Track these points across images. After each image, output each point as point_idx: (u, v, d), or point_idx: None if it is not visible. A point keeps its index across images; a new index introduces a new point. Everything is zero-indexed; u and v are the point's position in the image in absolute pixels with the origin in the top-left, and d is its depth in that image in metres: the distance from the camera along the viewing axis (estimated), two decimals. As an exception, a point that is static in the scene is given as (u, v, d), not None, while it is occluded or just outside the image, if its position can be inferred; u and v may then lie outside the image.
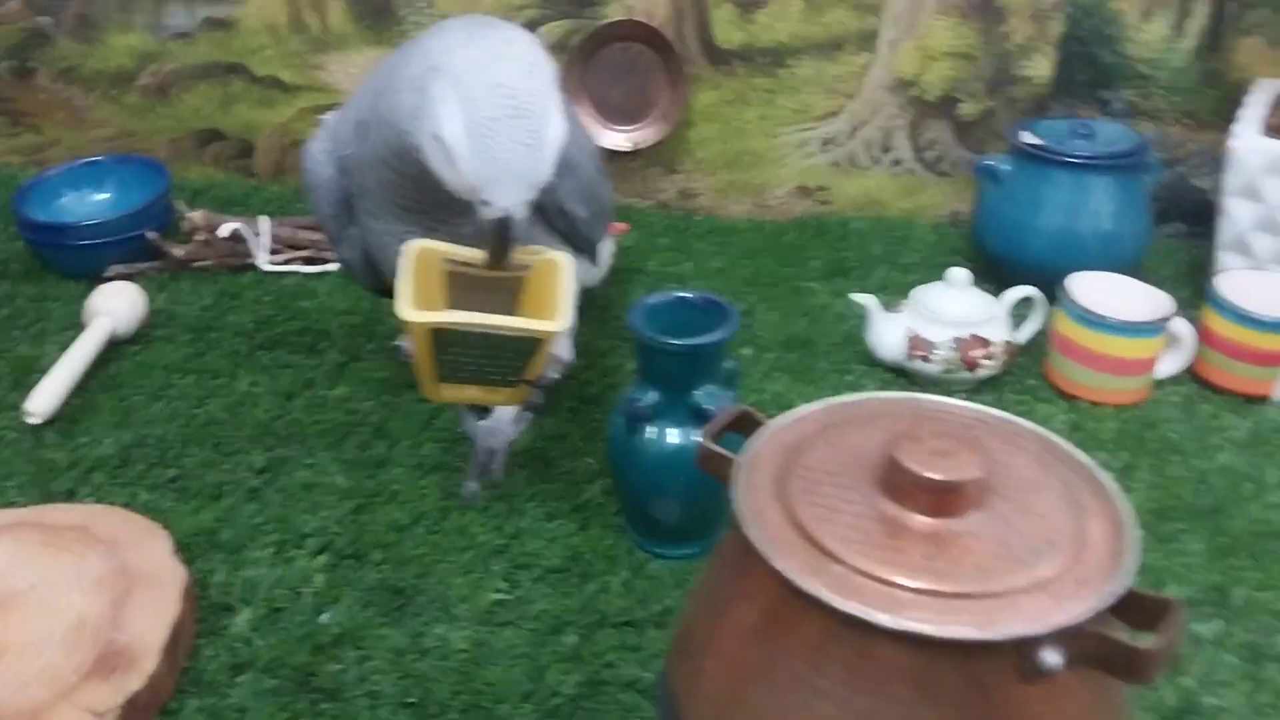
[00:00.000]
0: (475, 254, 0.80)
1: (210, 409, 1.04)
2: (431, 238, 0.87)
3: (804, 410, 0.63)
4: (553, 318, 0.77)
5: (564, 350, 0.94)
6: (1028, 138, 1.25)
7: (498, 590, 0.85)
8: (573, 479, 0.97)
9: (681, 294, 0.85)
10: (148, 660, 0.73)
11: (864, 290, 1.28)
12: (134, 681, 0.72)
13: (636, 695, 0.76)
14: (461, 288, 0.82)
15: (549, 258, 0.81)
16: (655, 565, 0.88)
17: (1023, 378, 1.13)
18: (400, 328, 0.78)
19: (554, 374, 1.01)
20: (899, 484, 0.55)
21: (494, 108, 0.73)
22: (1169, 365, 1.12)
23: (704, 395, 0.81)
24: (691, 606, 0.62)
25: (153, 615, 0.77)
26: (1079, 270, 1.14)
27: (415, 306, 0.76)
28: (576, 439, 1.02)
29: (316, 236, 1.29)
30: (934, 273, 1.32)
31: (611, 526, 0.91)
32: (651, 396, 0.82)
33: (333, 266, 1.29)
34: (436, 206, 0.84)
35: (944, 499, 0.54)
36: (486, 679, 0.77)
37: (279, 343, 1.15)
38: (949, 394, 1.10)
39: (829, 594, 0.50)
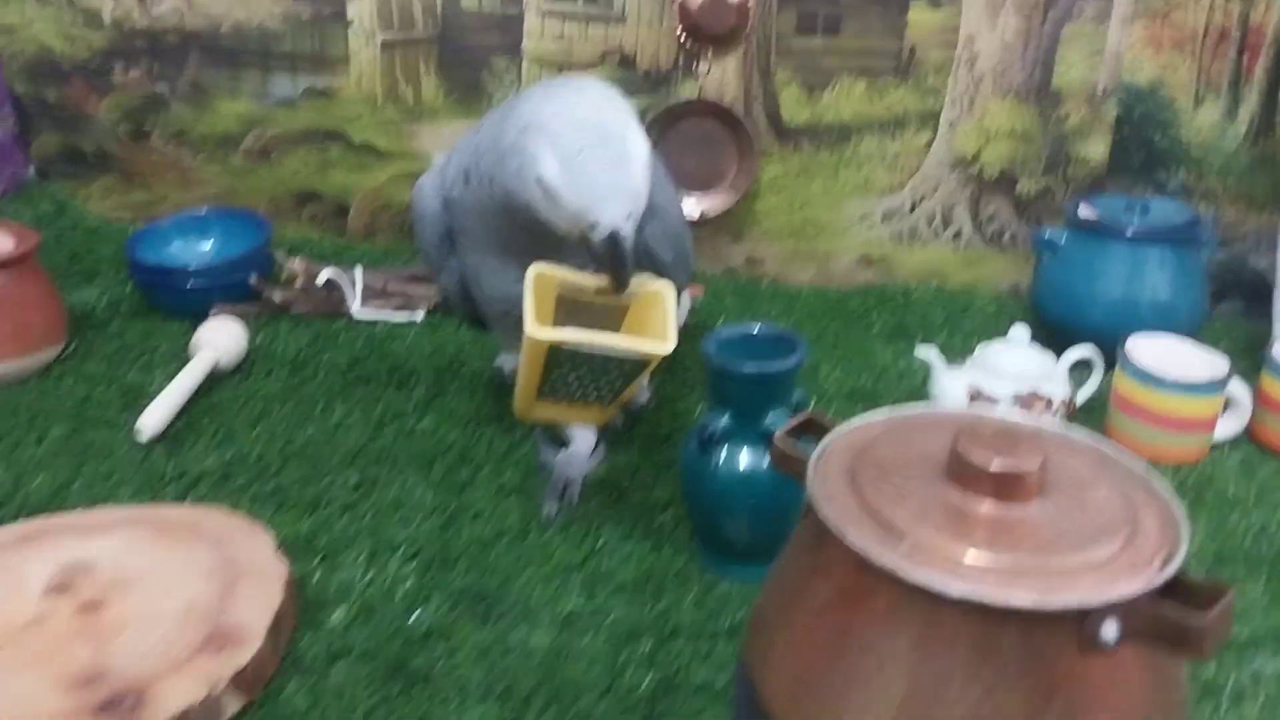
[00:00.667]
0: (589, 279, 0.87)
1: (307, 434, 1.11)
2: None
3: (869, 417, 0.68)
4: (662, 340, 0.84)
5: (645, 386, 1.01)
6: (1085, 211, 1.31)
7: (576, 599, 0.89)
8: (645, 507, 1.02)
9: (752, 329, 0.91)
10: (253, 641, 0.79)
11: (925, 352, 1.34)
12: (241, 657, 0.77)
13: (709, 698, 0.80)
14: (568, 312, 0.88)
15: (653, 287, 0.88)
16: (725, 585, 0.92)
17: (1079, 434, 1.17)
18: (501, 348, 0.85)
19: (642, 398, 1.07)
20: (963, 473, 0.59)
21: (580, 139, 0.82)
22: (1226, 428, 1.16)
23: (775, 420, 0.87)
24: (765, 593, 0.67)
25: (258, 602, 0.82)
26: (1135, 338, 1.18)
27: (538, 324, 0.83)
28: (648, 473, 1.07)
29: (408, 286, 1.37)
30: (995, 339, 1.37)
31: (683, 550, 0.96)
32: (724, 421, 0.88)
33: (419, 316, 1.37)
34: (534, 248, 0.91)
35: (1006, 487, 0.59)
36: (567, 675, 0.81)
37: (370, 379, 1.23)
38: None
39: (899, 565, 0.55)
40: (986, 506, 0.59)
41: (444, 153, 1.00)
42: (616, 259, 0.83)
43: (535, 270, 0.86)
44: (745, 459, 0.88)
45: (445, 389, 1.21)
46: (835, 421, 0.69)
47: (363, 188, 1.58)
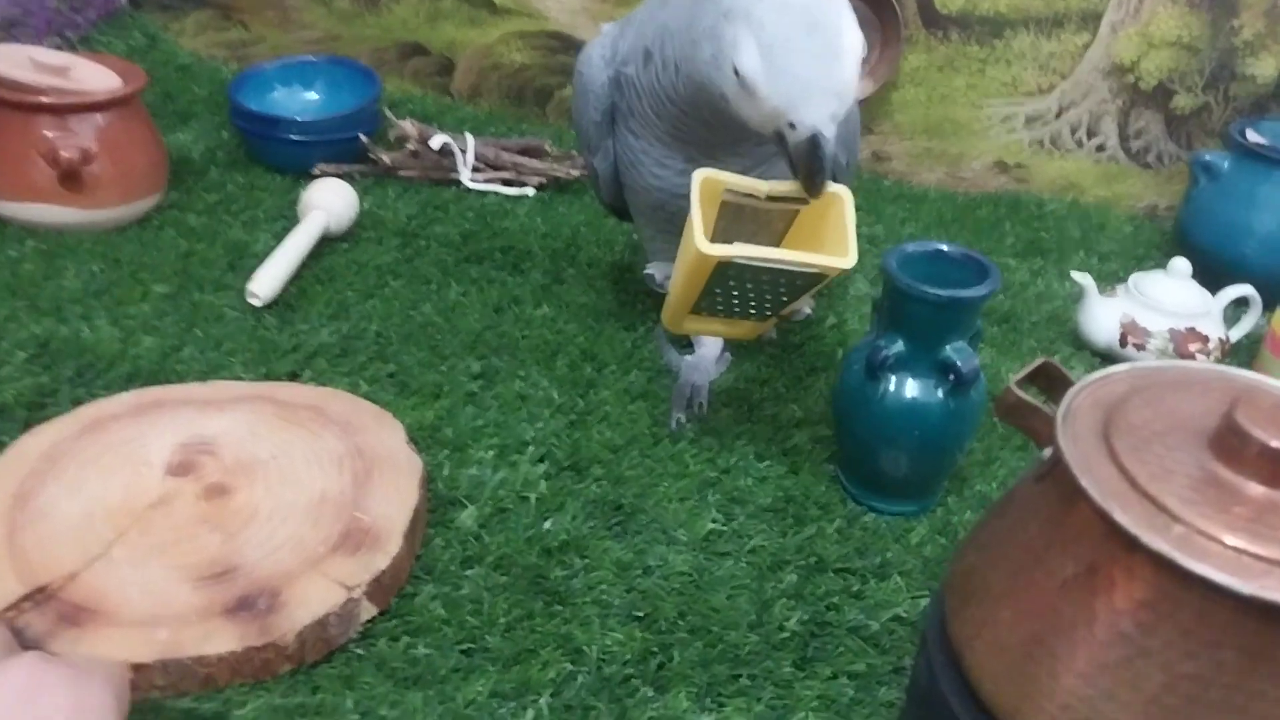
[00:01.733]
0: (758, 184, 0.78)
1: (423, 312, 1.06)
2: (692, 167, 0.87)
3: (1110, 370, 0.62)
4: (842, 253, 0.76)
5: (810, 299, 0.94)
6: (1253, 135, 1.21)
7: (714, 521, 0.84)
8: (779, 423, 0.96)
9: (940, 246, 0.84)
10: (391, 542, 0.74)
11: (1061, 272, 1.26)
12: (380, 560, 0.73)
13: (861, 641, 0.75)
14: (730, 219, 0.81)
15: (828, 191, 0.79)
16: (870, 518, 0.87)
17: (1232, 378, 1.10)
18: (646, 248, 0.78)
19: (805, 311, 1.00)
20: (1237, 449, 0.53)
21: (786, 27, 0.72)
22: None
23: (955, 350, 0.80)
24: (978, 551, 0.62)
25: (393, 499, 0.78)
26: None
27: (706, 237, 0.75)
28: (779, 384, 1.01)
29: (519, 159, 1.29)
30: (1132, 263, 1.30)
31: (822, 475, 0.91)
32: (898, 345, 0.82)
33: (530, 191, 1.30)
34: (714, 144, 0.84)
35: (1283, 470, 0.53)
36: (711, 604, 0.77)
37: (484, 258, 1.16)
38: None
39: (1174, 552, 0.49)
40: (1260, 490, 0.53)
41: (616, 23, 0.91)
42: (815, 162, 0.75)
43: (701, 175, 0.78)
44: (915, 389, 0.82)
45: (562, 275, 1.15)
46: (1070, 372, 0.62)
47: (473, 44, 1.49)
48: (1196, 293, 1.09)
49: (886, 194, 1.41)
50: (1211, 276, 1.15)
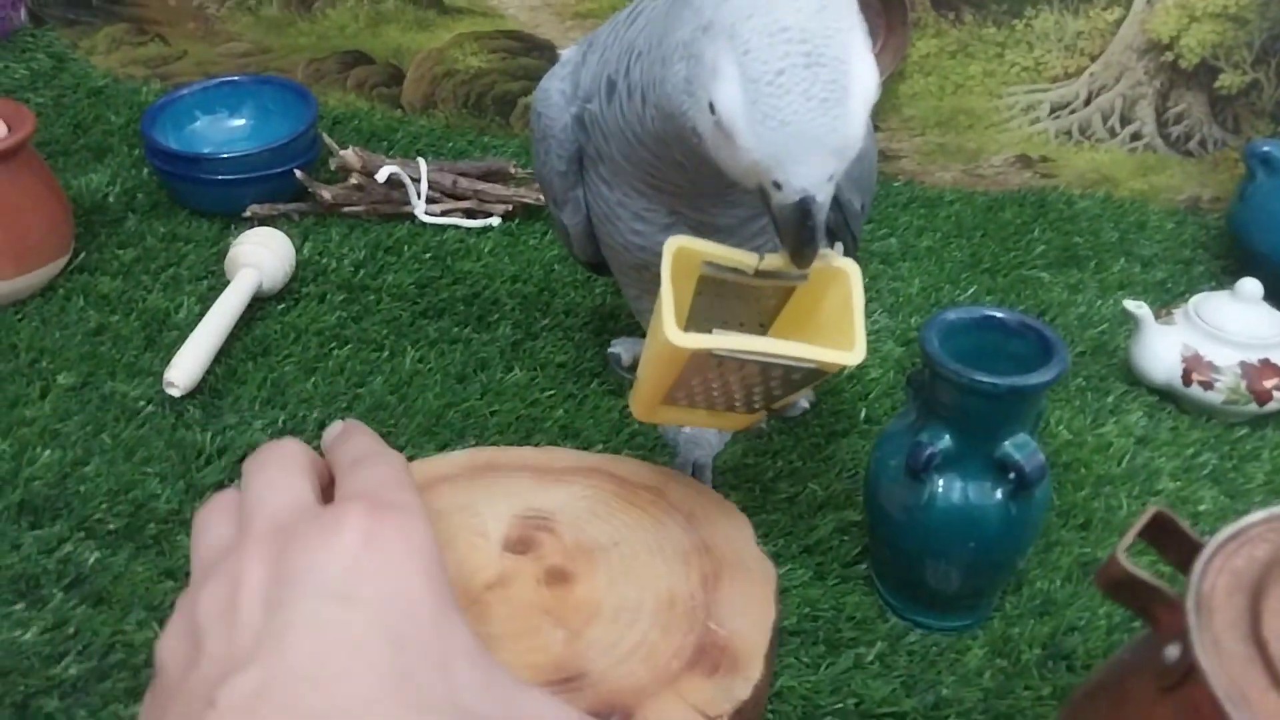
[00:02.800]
0: (745, 257, 0.63)
1: (374, 389, 0.90)
2: (678, 220, 0.72)
3: (1246, 522, 0.47)
4: (846, 344, 0.61)
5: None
6: (1318, 121, 1.06)
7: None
8: (797, 509, 0.82)
9: (989, 313, 0.68)
10: (752, 666, 0.59)
11: (1102, 285, 1.11)
12: (741, 688, 0.57)
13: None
14: (712, 294, 0.65)
15: (832, 265, 0.63)
16: (916, 636, 0.73)
17: (1312, 412, 0.96)
18: (630, 309, 0.63)
19: (802, 406, 0.86)
20: None
21: (778, 57, 0.54)
22: None
23: (1015, 445, 0.65)
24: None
25: (749, 611, 0.62)
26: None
27: (680, 323, 0.60)
28: (793, 456, 0.87)
29: (481, 185, 1.13)
30: (1178, 269, 1.15)
31: (855, 579, 0.76)
32: (945, 441, 0.67)
33: (495, 221, 1.14)
34: (698, 193, 0.68)
35: None
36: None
37: (444, 310, 1.01)
38: (1227, 427, 0.94)
39: None
40: None
41: (578, 46, 0.75)
42: (804, 232, 0.58)
43: (675, 245, 0.61)
44: (968, 493, 0.67)
45: (535, 328, 0.99)
46: (1190, 525, 0.48)
47: (422, 49, 1.32)
48: (1268, 318, 0.94)
49: (897, 198, 1.25)
50: (1273, 287, 1.00)
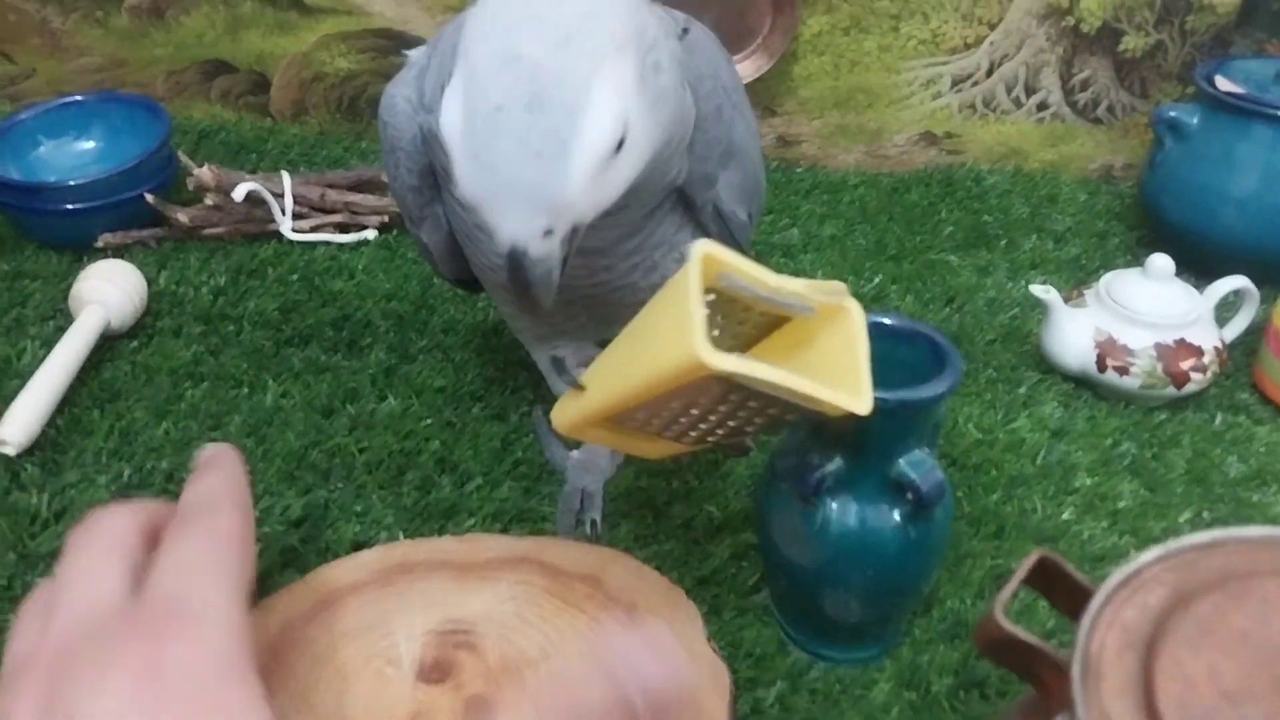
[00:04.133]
0: (764, 275, 0.52)
1: (231, 430, 0.83)
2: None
3: (1139, 564, 0.41)
4: (853, 390, 0.52)
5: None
6: (1223, 82, 1.01)
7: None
8: (693, 535, 0.76)
9: (878, 319, 0.62)
10: None
11: (1013, 265, 1.07)
12: None
13: None
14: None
15: (837, 303, 0.54)
16: (819, 670, 0.67)
17: (1232, 391, 0.92)
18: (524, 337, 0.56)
19: (751, 444, 0.80)
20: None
21: (501, 92, 0.48)
22: None
23: (911, 464, 0.60)
24: None
25: None
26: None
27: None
28: (688, 476, 0.81)
29: (352, 197, 1.06)
30: (1093, 242, 1.11)
31: (752, 609, 0.71)
32: (835, 464, 0.61)
33: (370, 234, 1.06)
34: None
35: None
36: None
37: (310, 337, 0.93)
38: (1145, 412, 0.90)
39: None
40: None
41: (426, 46, 0.68)
42: (518, 283, 0.52)
43: (703, 250, 0.50)
44: (862, 516, 0.61)
45: (411, 350, 0.92)
46: (1077, 570, 0.42)
47: (286, 54, 1.23)
48: (1182, 295, 0.90)
49: (799, 185, 1.20)
50: (1187, 258, 0.95)
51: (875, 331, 0.62)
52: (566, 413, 0.58)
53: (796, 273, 1.03)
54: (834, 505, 0.62)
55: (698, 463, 0.82)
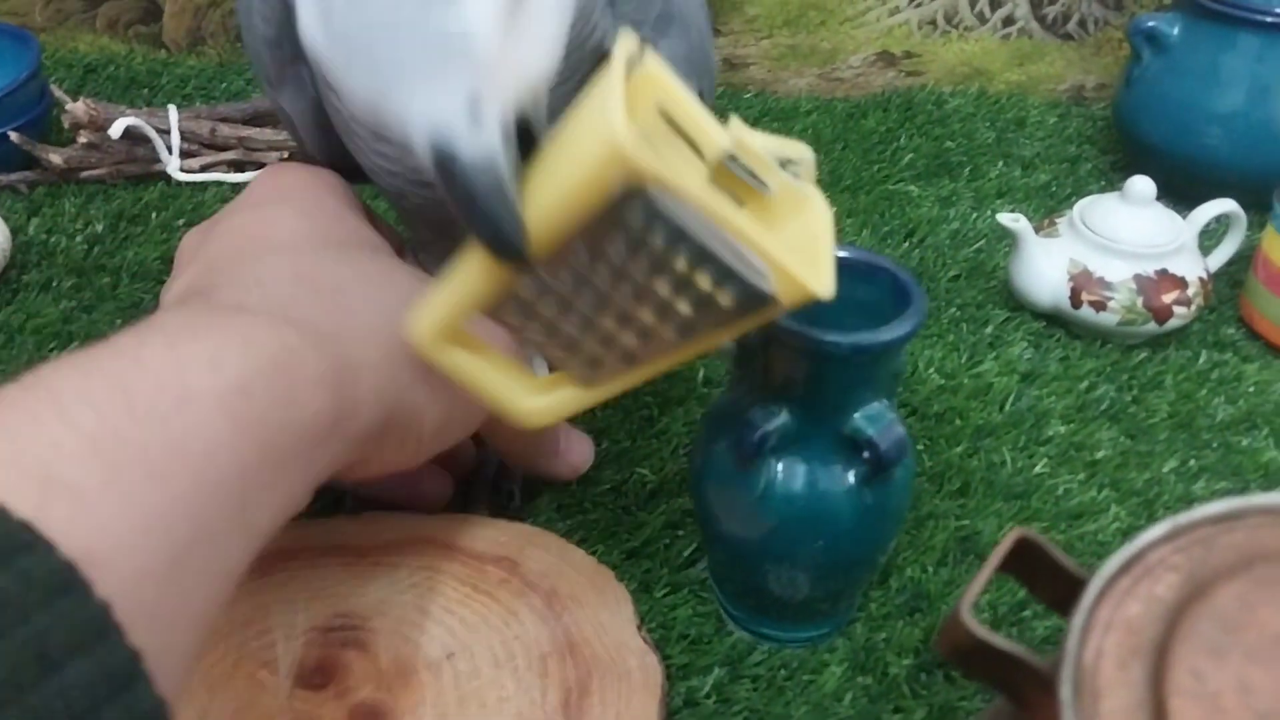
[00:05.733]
0: (712, 128, 0.42)
1: (97, 399, 0.73)
2: None
3: (1143, 543, 0.33)
4: (813, 273, 0.41)
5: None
6: (1205, -12, 0.93)
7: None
8: (623, 502, 0.67)
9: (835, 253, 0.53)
10: None
11: (979, 195, 0.98)
12: None
13: None
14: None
15: (800, 189, 0.44)
16: (762, 653, 0.59)
17: (1217, 325, 0.84)
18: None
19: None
20: None
21: None
22: None
23: (868, 418, 0.51)
24: None
25: None
26: (1272, 170, 0.86)
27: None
28: (619, 435, 0.72)
29: (246, 131, 0.95)
30: (1064, 168, 1.02)
31: (688, 585, 0.62)
32: (781, 418, 0.52)
33: (270, 173, 0.96)
34: None
35: None
36: None
37: (197, 289, 0.83)
38: (1124, 351, 0.82)
39: None
40: None
41: None
42: (461, 203, 0.38)
43: (626, 49, 0.40)
44: (812, 479, 0.53)
45: (311, 301, 0.82)
46: (1064, 553, 0.34)
47: (179, -24, 1.12)
48: (1164, 220, 0.81)
49: (747, 112, 1.10)
50: (1169, 183, 0.87)
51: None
52: (423, 314, 0.44)
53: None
54: (779, 467, 0.53)
55: (630, 420, 0.73)
